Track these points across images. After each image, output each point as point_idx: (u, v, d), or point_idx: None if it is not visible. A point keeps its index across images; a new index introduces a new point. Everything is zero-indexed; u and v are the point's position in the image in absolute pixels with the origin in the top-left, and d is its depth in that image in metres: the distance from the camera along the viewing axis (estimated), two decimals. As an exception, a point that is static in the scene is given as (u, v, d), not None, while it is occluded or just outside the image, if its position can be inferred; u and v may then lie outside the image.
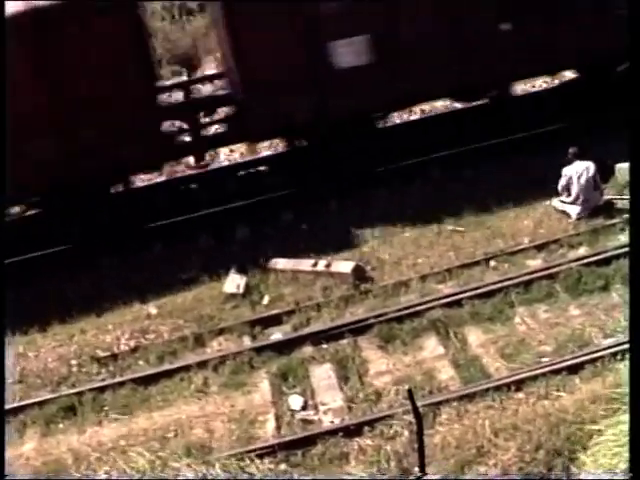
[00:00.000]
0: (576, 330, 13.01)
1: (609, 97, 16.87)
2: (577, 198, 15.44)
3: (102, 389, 13.62)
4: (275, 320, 14.44)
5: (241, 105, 16.85)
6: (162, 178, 18.78)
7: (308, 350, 13.63)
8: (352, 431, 11.95)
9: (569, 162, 15.53)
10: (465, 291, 14.05)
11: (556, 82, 19.47)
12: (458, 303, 13.87)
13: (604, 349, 12.32)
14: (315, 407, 12.67)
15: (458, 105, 19.00)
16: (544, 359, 12.56)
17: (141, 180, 18.51)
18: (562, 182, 15.54)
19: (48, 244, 16.76)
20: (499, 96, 17.78)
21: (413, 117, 19.64)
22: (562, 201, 15.60)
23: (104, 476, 10.45)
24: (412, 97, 17.31)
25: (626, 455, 8.35)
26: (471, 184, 16.70)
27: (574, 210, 15.45)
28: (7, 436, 11.29)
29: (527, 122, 17.60)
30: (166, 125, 17.23)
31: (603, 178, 15.82)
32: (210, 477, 8.32)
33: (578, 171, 15.48)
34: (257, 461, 10.31)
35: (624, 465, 8.25)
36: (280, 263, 15.47)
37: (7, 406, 12.87)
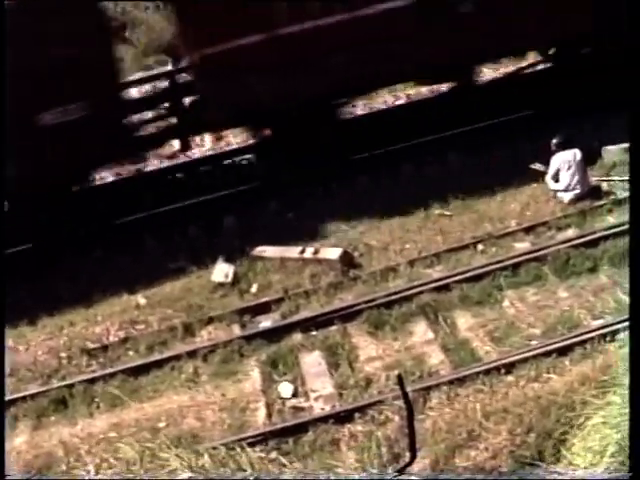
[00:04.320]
0: (565, 312, 13.00)
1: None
2: (568, 186, 15.41)
3: (92, 381, 13.58)
4: (264, 308, 14.40)
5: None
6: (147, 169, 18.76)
7: (297, 337, 13.59)
8: (343, 417, 11.92)
9: (558, 147, 15.50)
10: (453, 275, 14.02)
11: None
12: (447, 287, 13.83)
13: (593, 331, 12.31)
14: (305, 394, 12.65)
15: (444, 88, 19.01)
16: (533, 342, 12.54)
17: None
18: (551, 173, 15.51)
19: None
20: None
21: (399, 102, 19.66)
22: (554, 189, 15.56)
23: (97, 476, 10.47)
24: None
25: (615, 437, 8.38)
26: (457, 168, 16.70)
27: (566, 197, 15.42)
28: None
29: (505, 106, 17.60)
30: None
31: (590, 160, 15.83)
32: (199, 466, 8.32)
33: (565, 160, 15.44)
34: (248, 449, 10.26)
35: (613, 448, 8.29)
36: (268, 251, 15.44)
37: None
